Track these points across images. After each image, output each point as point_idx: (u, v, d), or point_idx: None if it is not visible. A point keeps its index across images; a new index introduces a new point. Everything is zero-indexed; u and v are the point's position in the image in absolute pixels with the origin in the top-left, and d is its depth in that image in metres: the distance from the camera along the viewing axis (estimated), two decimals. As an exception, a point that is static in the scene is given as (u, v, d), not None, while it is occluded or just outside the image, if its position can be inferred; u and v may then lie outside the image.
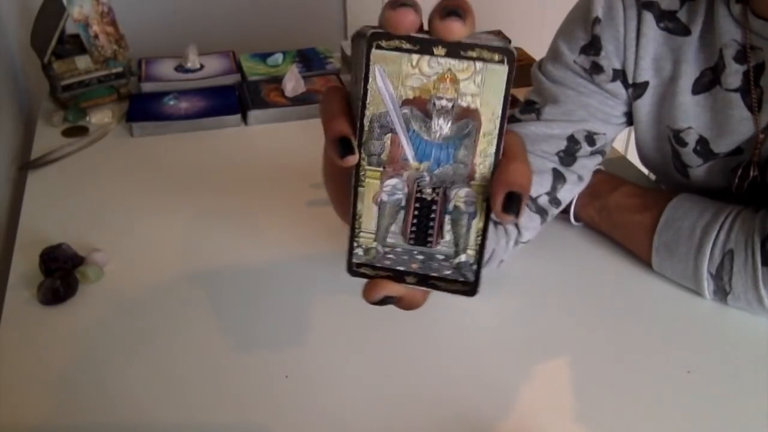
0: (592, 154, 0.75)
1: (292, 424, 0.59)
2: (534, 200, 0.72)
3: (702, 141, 0.73)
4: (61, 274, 0.71)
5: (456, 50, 0.36)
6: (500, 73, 0.36)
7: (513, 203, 0.37)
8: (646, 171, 0.87)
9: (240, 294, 0.73)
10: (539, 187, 0.72)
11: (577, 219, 0.82)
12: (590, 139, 0.74)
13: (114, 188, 0.91)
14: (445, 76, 0.37)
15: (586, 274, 0.76)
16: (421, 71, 0.37)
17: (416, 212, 0.40)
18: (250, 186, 0.91)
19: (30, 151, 1.00)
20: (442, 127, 0.38)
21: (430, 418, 0.60)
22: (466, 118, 0.38)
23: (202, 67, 1.20)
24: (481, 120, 0.37)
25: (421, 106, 0.38)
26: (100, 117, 1.07)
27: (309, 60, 1.24)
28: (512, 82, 0.36)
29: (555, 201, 0.74)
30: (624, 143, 1.35)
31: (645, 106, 0.75)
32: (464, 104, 0.37)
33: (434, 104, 0.37)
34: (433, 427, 0.59)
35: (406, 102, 0.38)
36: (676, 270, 0.72)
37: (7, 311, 0.70)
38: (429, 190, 0.39)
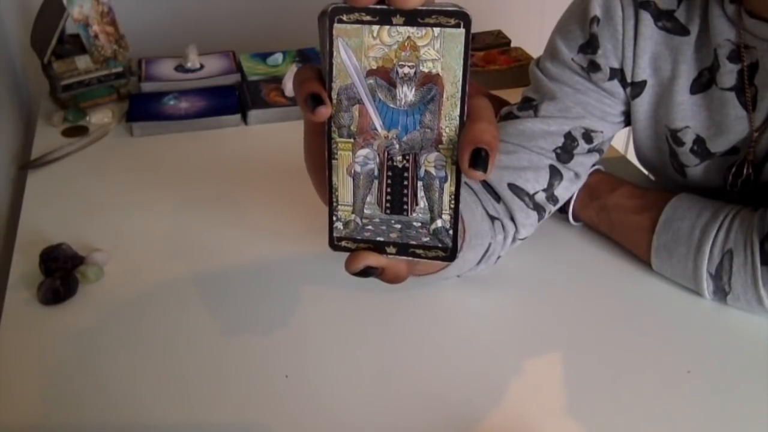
0: (590, 151, 0.75)
1: (292, 423, 0.59)
2: (531, 197, 0.72)
3: (699, 140, 0.73)
4: (61, 274, 0.71)
5: (413, 18, 0.37)
6: (458, 36, 0.37)
7: (480, 160, 0.38)
8: (645, 171, 0.87)
9: (240, 294, 0.73)
10: (536, 183, 0.72)
11: (576, 219, 0.82)
12: (587, 136, 0.74)
13: (114, 188, 0.91)
14: (405, 44, 0.38)
15: (585, 274, 0.77)
16: (382, 41, 0.38)
17: (389, 180, 0.41)
18: (251, 186, 0.91)
19: (30, 151, 1.00)
20: (407, 94, 0.39)
21: (429, 416, 0.60)
22: (428, 83, 0.39)
23: (202, 67, 1.20)
24: (443, 84, 0.38)
25: (384, 76, 0.39)
26: (100, 117, 1.07)
27: (309, 60, 1.24)
28: (470, 44, 0.37)
29: (552, 198, 0.74)
30: (624, 143, 1.35)
31: (643, 105, 0.75)
32: (426, 70, 0.38)
33: (397, 72, 0.38)
34: (433, 425, 0.59)
35: (370, 72, 0.39)
36: (675, 270, 0.72)
37: (7, 311, 0.70)
38: (399, 158, 0.40)
